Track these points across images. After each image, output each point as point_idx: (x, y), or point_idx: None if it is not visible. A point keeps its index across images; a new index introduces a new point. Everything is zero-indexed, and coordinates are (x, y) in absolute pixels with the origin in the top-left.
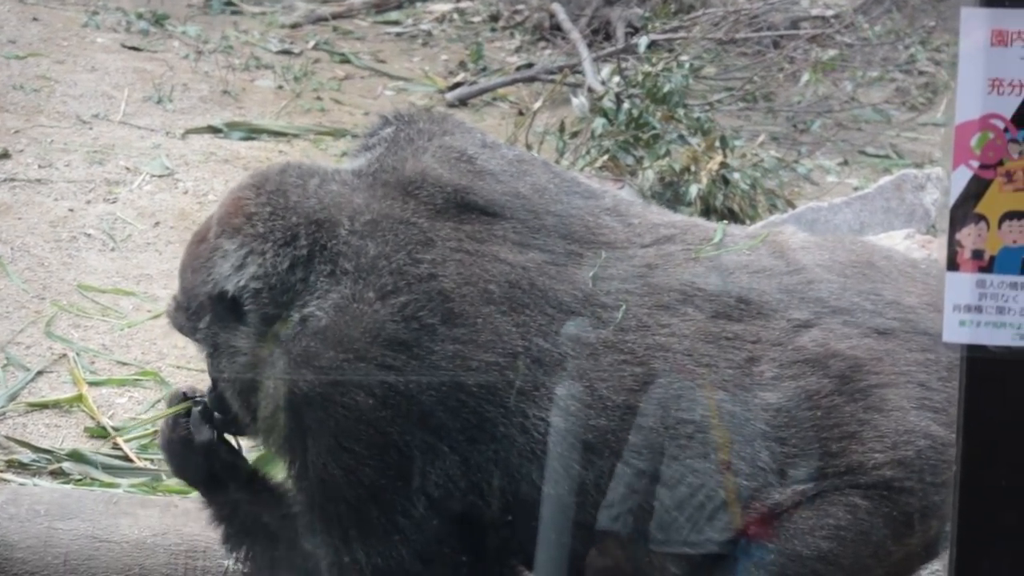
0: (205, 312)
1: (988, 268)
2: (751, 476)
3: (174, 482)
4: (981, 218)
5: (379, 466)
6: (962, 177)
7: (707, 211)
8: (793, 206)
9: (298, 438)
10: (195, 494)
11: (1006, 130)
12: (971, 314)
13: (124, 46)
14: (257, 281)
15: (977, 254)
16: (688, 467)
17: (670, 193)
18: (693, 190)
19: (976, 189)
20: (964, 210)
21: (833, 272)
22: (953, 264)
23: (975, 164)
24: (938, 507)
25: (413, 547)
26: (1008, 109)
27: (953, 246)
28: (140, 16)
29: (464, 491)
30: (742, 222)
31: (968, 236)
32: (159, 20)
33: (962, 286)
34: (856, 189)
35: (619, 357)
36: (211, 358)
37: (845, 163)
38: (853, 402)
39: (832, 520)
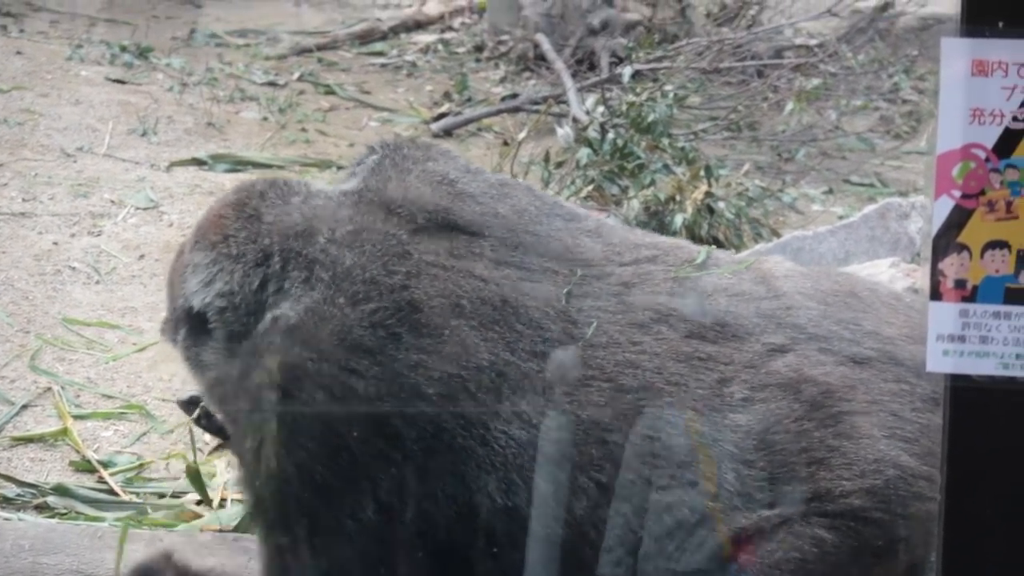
0: (181, 325)
1: (971, 297)
2: (715, 497)
3: (160, 515)
4: (963, 248)
5: (331, 466)
6: (944, 207)
7: (692, 240)
8: (778, 235)
9: (257, 428)
10: (181, 526)
11: (987, 160)
12: (954, 343)
13: (108, 79)
14: (222, 299)
15: (960, 283)
16: (651, 485)
17: (655, 223)
18: (678, 219)
19: (958, 219)
20: (946, 240)
21: (814, 300)
22: (936, 294)
23: (957, 194)
24: (906, 540)
25: (358, 551)
26: (989, 139)
27: (936, 276)
28: (124, 49)
29: (418, 499)
30: (729, 250)
31: (951, 266)
32: (143, 53)
33: (945, 315)
34: (841, 218)
35: (587, 372)
36: (189, 368)
37: (830, 192)
38: (823, 428)
39: (797, 554)
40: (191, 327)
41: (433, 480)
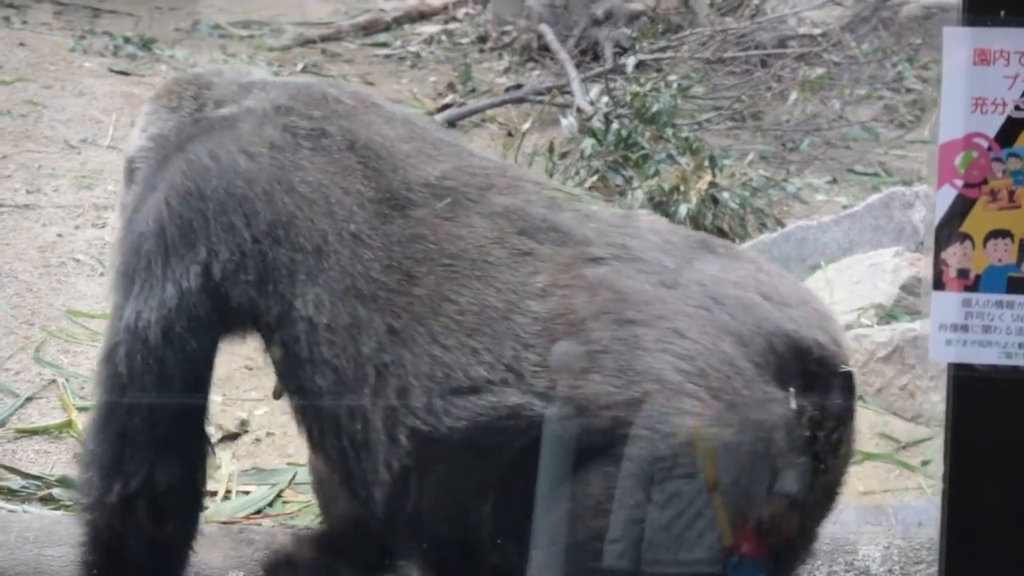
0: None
1: (974, 287)
2: (492, 368)
3: None
4: (966, 237)
5: (159, 232)
6: (947, 196)
7: (697, 230)
8: (782, 225)
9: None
10: None
11: (990, 149)
12: (957, 333)
13: (112, 70)
14: (151, 140)
15: (963, 273)
16: (434, 339)
17: (660, 213)
18: (682, 210)
19: (961, 208)
20: (949, 229)
21: (660, 237)
22: (939, 283)
23: (959, 183)
24: (663, 457)
25: (164, 314)
26: (991, 128)
27: (939, 265)
28: (128, 40)
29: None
30: (732, 241)
31: (953, 255)
32: (147, 44)
33: (948, 305)
34: (845, 207)
35: (419, 231)
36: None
37: (834, 181)
38: (603, 331)
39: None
40: (127, 176)
41: (264, 274)
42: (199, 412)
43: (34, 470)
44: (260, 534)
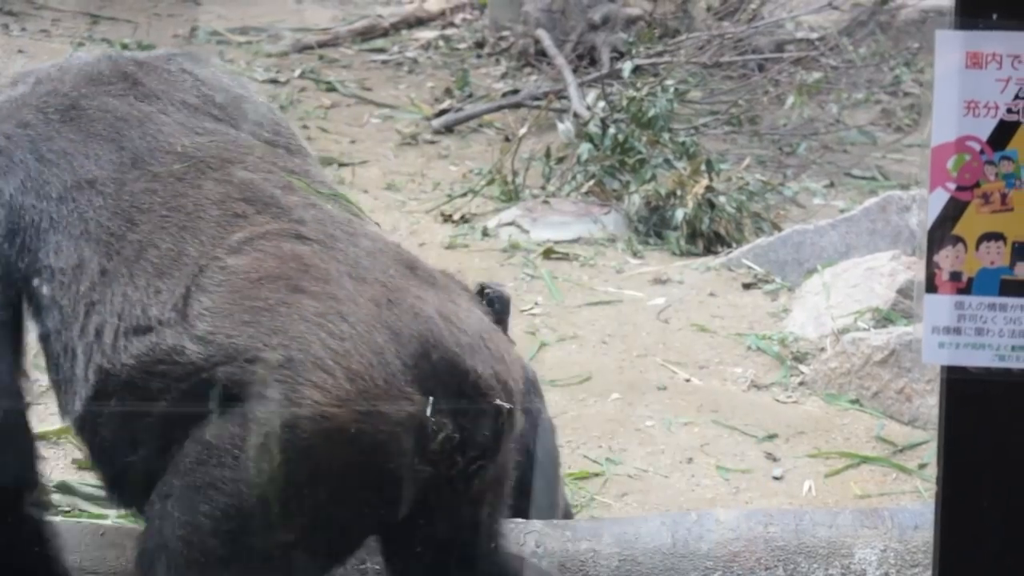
0: None
1: (966, 290)
2: (163, 308)
3: None
4: (959, 240)
5: None
6: (939, 199)
7: (693, 234)
8: (779, 229)
9: None
10: None
11: (982, 152)
12: (950, 336)
13: None
14: None
15: (955, 276)
16: (134, 282)
17: (656, 217)
18: (679, 214)
19: (953, 211)
20: (942, 232)
21: (370, 243)
22: (932, 286)
23: (952, 186)
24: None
25: None
26: (984, 131)
27: (931, 268)
28: (126, 47)
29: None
30: (728, 245)
31: (946, 258)
32: (145, 50)
33: (941, 308)
34: (842, 211)
35: (150, 185)
36: None
37: (831, 185)
38: (276, 293)
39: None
40: None
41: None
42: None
43: None
44: None
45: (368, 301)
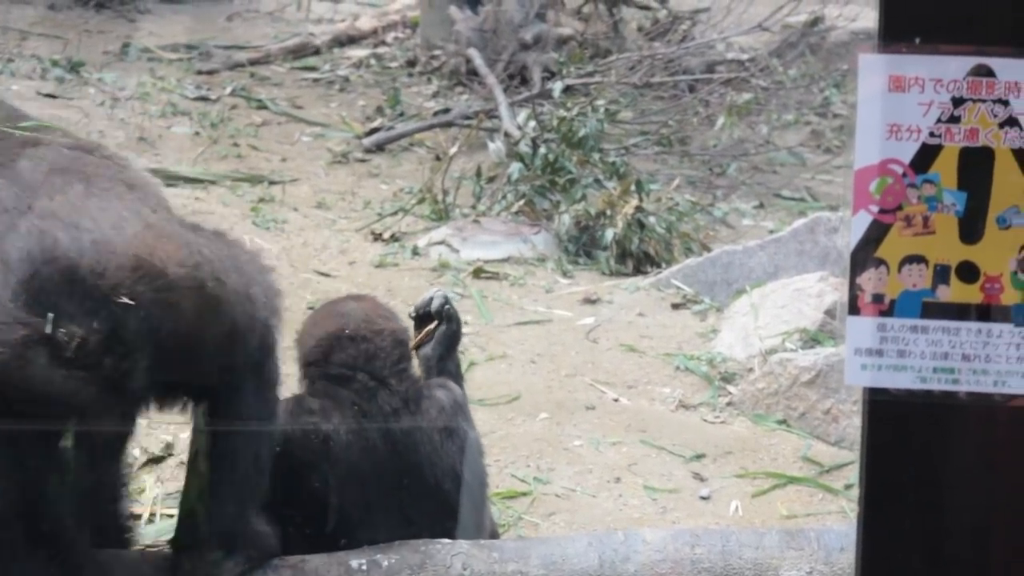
0: None
1: (888, 312)
2: None
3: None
4: (881, 262)
5: None
6: (862, 222)
7: (623, 255)
8: (709, 249)
9: None
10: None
11: (904, 175)
12: (872, 357)
13: (40, 93)
14: None
15: (878, 298)
16: None
17: (586, 237)
18: (609, 234)
19: (876, 234)
20: (864, 254)
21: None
22: (855, 308)
23: (875, 208)
24: None
25: None
26: (906, 154)
27: (854, 290)
28: (56, 63)
29: None
30: (658, 265)
31: (868, 280)
32: (75, 67)
33: (863, 330)
34: (771, 232)
35: None
36: None
37: (761, 206)
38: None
39: None
40: None
41: None
42: None
43: None
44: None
45: None
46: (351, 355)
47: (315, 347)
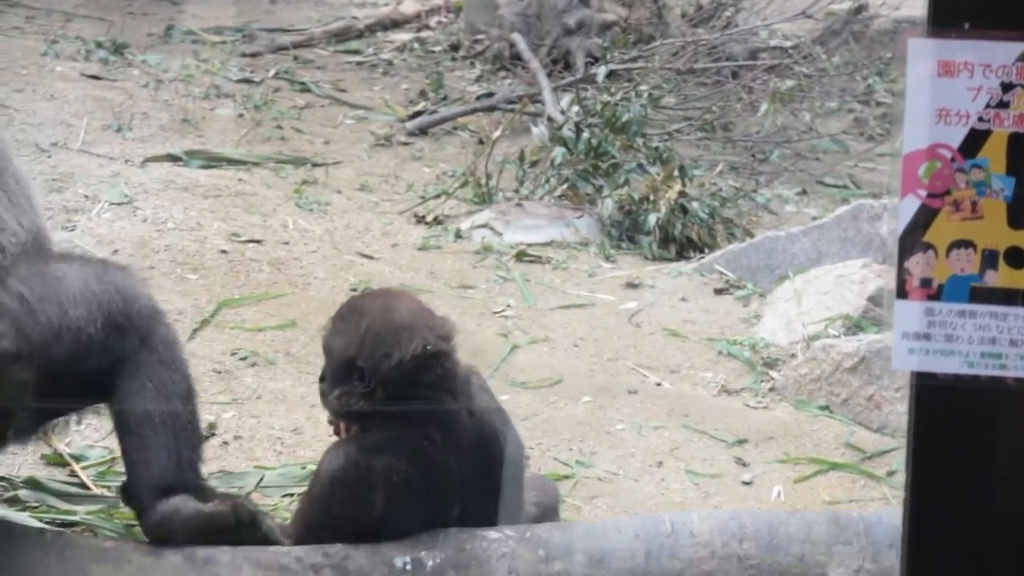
0: None
1: (936, 296)
2: None
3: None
4: (929, 247)
5: None
6: (910, 206)
7: (666, 239)
8: (751, 235)
9: None
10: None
11: (953, 160)
12: (920, 342)
13: (83, 75)
14: None
15: (926, 282)
16: None
17: (629, 222)
18: (652, 219)
19: (924, 218)
20: (912, 239)
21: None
22: (902, 292)
23: (923, 193)
24: None
25: None
26: (955, 139)
27: (902, 274)
28: (100, 45)
29: None
30: (700, 251)
31: (917, 265)
32: (119, 49)
33: (911, 314)
34: (814, 219)
35: None
36: None
37: (803, 193)
38: None
39: None
40: None
41: None
42: None
43: (0, 472)
44: None
45: None
46: (438, 375)
47: (396, 367)
